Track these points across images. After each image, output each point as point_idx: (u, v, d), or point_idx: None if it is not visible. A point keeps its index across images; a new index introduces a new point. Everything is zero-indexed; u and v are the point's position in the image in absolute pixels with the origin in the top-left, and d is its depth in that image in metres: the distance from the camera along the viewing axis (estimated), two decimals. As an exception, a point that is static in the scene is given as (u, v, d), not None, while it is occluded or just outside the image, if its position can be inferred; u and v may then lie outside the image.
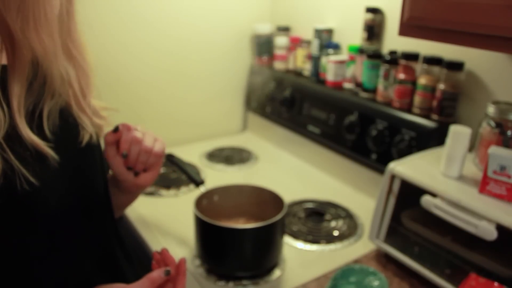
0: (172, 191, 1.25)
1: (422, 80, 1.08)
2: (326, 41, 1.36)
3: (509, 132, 0.85)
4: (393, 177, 0.90)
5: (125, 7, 1.33)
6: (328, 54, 1.33)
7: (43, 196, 0.55)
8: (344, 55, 1.32)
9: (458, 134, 0.83)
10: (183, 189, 1.26)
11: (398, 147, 1.08)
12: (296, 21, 1.55)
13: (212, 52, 1.57)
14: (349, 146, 1.25)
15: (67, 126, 0.62)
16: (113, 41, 1.32)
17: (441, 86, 1.04)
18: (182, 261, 0.64)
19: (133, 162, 0.72)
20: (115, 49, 1.34)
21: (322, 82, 1.37)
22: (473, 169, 0.88)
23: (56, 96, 0.59)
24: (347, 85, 1.31)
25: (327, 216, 1.13)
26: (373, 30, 1.23)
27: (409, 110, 1.12)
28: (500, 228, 0.72)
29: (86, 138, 0.64)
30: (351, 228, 1.08)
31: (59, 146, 0.57)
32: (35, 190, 0.52)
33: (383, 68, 1.16)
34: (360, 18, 1.25)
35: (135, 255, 0.82)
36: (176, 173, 1.33)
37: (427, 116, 1.07)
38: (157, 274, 0.62)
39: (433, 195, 0.82)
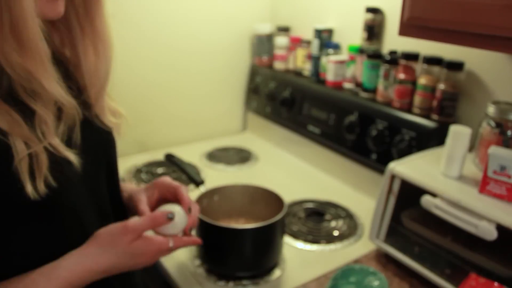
0: (172, 191, 1.25)
1: (422, 80, 1.08)
2: (326, 41, 1.36)
3: (509, 132, 0.85)
4: (393, 177, 0.90)
5: (124, 7, 1.33)
6: (328, 54, 1.33)
7: (64, 198, 0.57)
8: (344, 55, 1.32)
9: (458, 134, 0.83)
10: (183, 189, 1.26)
11: (398, 147, 1.08)
12: (296, 21, 1.55)
13: (212, 52, 1.57)
14: (349, 146, 1.25)
15: (92, 130, 0.65)
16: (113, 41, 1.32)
17: (441, 86, 1.04)
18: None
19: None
20: (115, 50, 1.34)
21: (322, 82, 1.37)
22: (473, 169, 0.88)
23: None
24: (347, 85, 1.31)
25: (327, 216, 1.13)
26: (373, 30, 1.23)
27: (409, 110, 1.12)
28: (500, 228, 0.72)
29: (110, 139, 0.69)
30: (351, 228, 1.08)
31: (85, 151, 0.60)
32: (55, 192, 0.55)
33: (383, 68, 1.16)
34: (360, 18, 1.25)
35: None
36: (176, 173, 1.33)
37: (427, 116, 1.07)
38: (160, 213, 0.66)
39: (433, 195, 0.82)
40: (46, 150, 0.54)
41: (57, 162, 0.55)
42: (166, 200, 0.77)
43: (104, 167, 0.69)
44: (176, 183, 0.78)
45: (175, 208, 0.70)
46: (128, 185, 0.84)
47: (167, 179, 0.79)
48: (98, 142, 0.67)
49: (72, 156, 0.57)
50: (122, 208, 0.76)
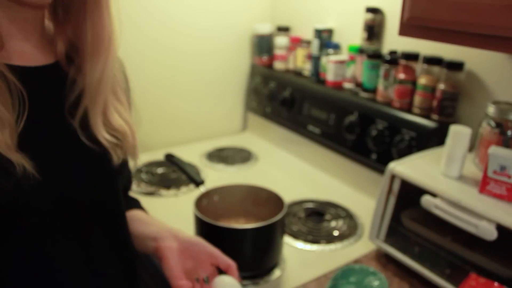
0: (172, 191, 1.25)
1: (422, 80, 1.08)
2: (326, 41, 1.36)
3: (509, 132, 0.85)
4: (393, 177, 0.90)
5: (124, 7, 1.33)
6: (328, 54, 1.33)
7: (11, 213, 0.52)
8: (344, 55, 1.32)
9: (458, 134, 0.83)
10: (183, 189, 1.26)
11: (398, 147, 1.08)
12: (296, 21, 1.55)
13: (212, 52, 1.57)
14: (349, 146, 1.25)
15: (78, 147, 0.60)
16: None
17: (441, 86, 1.04)
18: None
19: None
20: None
21: (322, 82, 1.37)
22: (473, 169, 0.88)
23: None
24: (347, 85, 1.31)
25: (327, 216, 1.13)
26: (373, 30, 1.23)
27: (409, 110, 1.12)
28: (500, 228, 0.72)
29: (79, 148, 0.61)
30: (351, 228, 1.08)
31: (43, 156, 0.54)
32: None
33: (383, 68, 1.16)
34: (360, 18, 1.25)
35: (134, 253, 0.82)
36: (176, 173, 1.33)
37: (427, 116, 1.07)
38: None
39: (433, 195, 0.82)
40: None
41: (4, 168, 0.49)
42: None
43: (87, 190, 0.62)
44: (213, 249, 0.73)
45: (227, 280, 0.66)
46: (154, 222, 0.78)
47: (202, 243, 0.73)
48: (80, 158, 0.61)
49: (20, 159, 0.49)
50: (125, 243, 0.70)
